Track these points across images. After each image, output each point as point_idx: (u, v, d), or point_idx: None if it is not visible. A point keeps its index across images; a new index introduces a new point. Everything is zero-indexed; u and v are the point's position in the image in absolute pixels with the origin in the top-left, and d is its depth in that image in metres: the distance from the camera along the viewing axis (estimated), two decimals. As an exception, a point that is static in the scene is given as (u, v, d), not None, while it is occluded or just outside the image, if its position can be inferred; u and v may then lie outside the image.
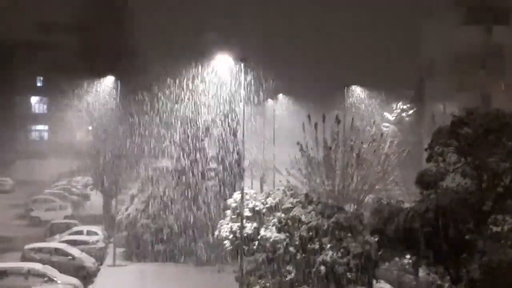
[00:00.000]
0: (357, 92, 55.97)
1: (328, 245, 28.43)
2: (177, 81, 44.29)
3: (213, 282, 36.94)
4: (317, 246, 28.62)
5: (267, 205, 31.55)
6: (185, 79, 43.62)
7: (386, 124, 59.75)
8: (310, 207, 30.24)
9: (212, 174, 42.87)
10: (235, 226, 31.70)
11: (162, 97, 45.83)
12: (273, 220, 30.47)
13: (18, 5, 78.11)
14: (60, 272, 35.09)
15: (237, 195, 32.67)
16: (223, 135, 42.80)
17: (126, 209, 43.85)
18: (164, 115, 45.47)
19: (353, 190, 37.18)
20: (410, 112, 69.15)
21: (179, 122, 44.00)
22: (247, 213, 31.28)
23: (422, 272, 29.54)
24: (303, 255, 28.92)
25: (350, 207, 35.45)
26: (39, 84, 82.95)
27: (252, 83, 41.57)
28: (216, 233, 33.60)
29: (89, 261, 39.21)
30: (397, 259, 29.29)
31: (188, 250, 41.32)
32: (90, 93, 50.37)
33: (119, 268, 40.60)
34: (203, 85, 43.26)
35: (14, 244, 44.43)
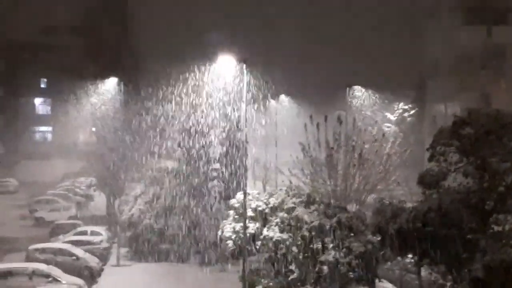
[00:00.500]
0: (359, 92, 56.03)
1: (331, 245, 28.57)
2: (180, 82, 44.46)
3: (216, 281, 37.08)
4: (319, 246, 28.76)
5: (269, 205, 31.71)
6: (188, 80, 43.77)
7: (388, 124, 59.74)
8: (312, 207, 30.38)
9: (215, 174, 43.04)
10: (238, 226, 31.87)
11: (165, 98, 46.02)
12: (275, 220, 30.62)
13: (21, 7, 78.31)
14: (64, 272, 35.24)
15: (240, 196, 32.83)
16: (226, 136, 42.96)
17: (130, 210, 44.02)
18: (167, 116, 45.65)
19: (355, 190, 37.24)
20: (412, 112, 69.16)
21: (182, 123, 44.17)
22: (250, 213, 31.46)
23: (424, 272, 29.63)
24: (306, 255, 29.05)
25: (352, 207, 35.55)
26: (42, 85, 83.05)
27: (254, 83, 41.75)
28: (219, 233, 33.78)
29: (93, 261, 39.38)
30: (399, 258, 29.41)
31: (191, 250, 41.47)
32: (94, 94, 50.52)
33: (123, 268, 40.78)
34: (205, 86, 43.39)
35: (18, 245, 44.57)
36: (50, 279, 33.94)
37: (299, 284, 29.07)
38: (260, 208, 31.64)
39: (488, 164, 24.01)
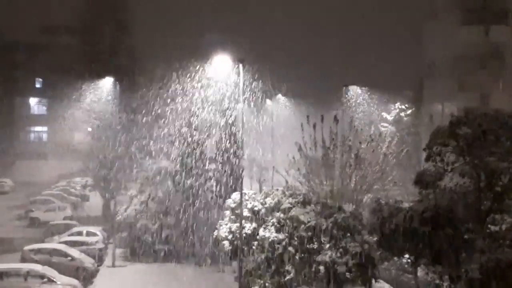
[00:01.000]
0: (356, 92, 55.97)
1: (327, 245, 28.48)
2: (176, 82, 44.34)
3: (212, 282, 37.00)
4: (316, 246, 28.67)
5: (266, 205, 31.60)
6: (184, 80, 43.66)
7: (385, 124, 59.78)
8: (309, 207, 30.28)
9: (211, 174, 42.94)
10: (234, 226, 31.78)
11: (161, 98, 45.91)
12: (272, 220, 30.52)
13: (17, 7, 78.22)
14: (60, 273, 35.08)
15: (236, 196, 32.73)
16: (222, 136, 42.86)
17: (126, 210, 43.89)
18: (163, 116, 45.54)
19: (352, 190, 37.19)
20: (409, 112, 69.21)
21: (178, 123, 44.06)
22: (246, 213, 31.34)
23: (421, 272, 29.54)
24: (302, 255, 28.94)
25: (349, 207, 35.40)
26: (38, 85, 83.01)
27: (251, 83, 41.64)
28: (215, 233, 33.66)
29: (88, 262, 39.20)
30: (396, 258, 29.30)
31: (187, 251, 41.36)
32: (89, 94, 50.45)
33: (118, 269, 40.64)
34: (201, 86, 43.29)
35: (13, 245, 44.44)
36: (45, 279, 33.78)
37: (295, 284, 28.98)
38: (256, 208, 31.54)
39: (485, 164, 23.91)
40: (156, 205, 42.69)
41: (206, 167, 43.03)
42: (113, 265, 41.15)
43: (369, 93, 57.25)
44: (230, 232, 32.01)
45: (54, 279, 33.94)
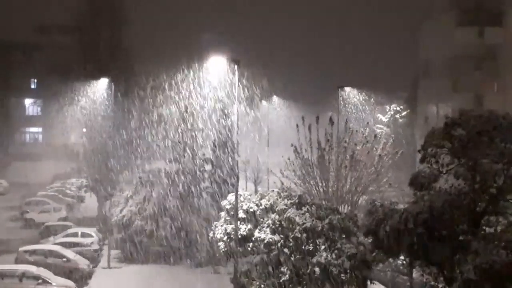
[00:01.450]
0: (351, 93, 56.09)
1: (322, 247, 28.50)
2: (171, 82, 44.38)
3: (208, 283, 37.00)
4: (311, 247, 28.69)
5: (261, 207, 31.63)
6: (179, 81, 43.69)
7: (380, 126, 59.92)
8: (304, 209, 30.28)
9: (206, 175, 42.96)
10: (230, 227, 31.79)
11: (156, 99, 45.92)
12: (267, 222, 30.53)
13: (13, 6, 78.08)
14: (55, 274, 35.13)
15: (231, 197, 32.72)
16: (217, 137, 42.87)
17: (121, 211, 43.81)
18: (158, 117, 45.55)
19: (347, 191, 37.27)
20: (404, 113, 69.41)
21: (173, 124, 44.07)
22: (241, 214, 31.35)
23: (416, 273, 29.58)
24: (297, 256, 28.96)
25: (344, 209, 35.55)
26: (33, 86, 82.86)
27: (246, 84, 41.69)
28: (211, 235, 33.68)
29: (83, 263, 39.17)
30: (391, 260, 29.30)
31: (182, 252, 41.34)
32: (84, 95, 50.39)
33: (113, 270, 40.59)
34: (197, 87, 43.32)
35: (8, 246, 44.39)
36: (40, 281, 33.81)
37: (290, 285, 28.96)
38: (251, 210, 31.56)
39: (480, 165, 23.93)
40: (152, 206, 42.64)
41: (202, 168, 43.04)
42: (109, 266, 41.09)
43: (364, 94, 57.41)
44: (226, 233, 32.03)
45: (49, 280, 33.94)
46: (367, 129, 41.44)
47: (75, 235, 44.75)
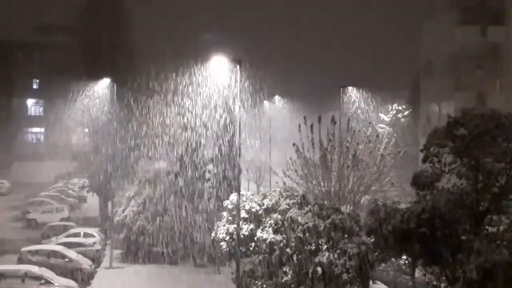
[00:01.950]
0: (353, 93, 55.98)
1: (325, 246, 28.46)
2: (173, 82, 44.34)
3: (210, 283, 37.01)
4: (313, 247, 28.64)
5: (263, 207, 31.58)
6: (181, 81, 43.66)
7: (382, 125, 59.88)
8: (306, 208, 30.26)
9: (209, 176, 42.94)
10: (232, 227, 31.74)
11: (158, 99, 45.90)
12: (269, 222, 30.50)
13: (14, 6, 78.08)
14: (57, 274, 35.10)
15: (233, 197, 32.69)
16: (219, 137, 42.84)
17: (123, 211, 43.86)
18: (160, 117, 45.53)
19: (349, 191, 37.24)
20: (406, 113, 69.33)
21: (175, 124, 44.05)
22: (243, 214, 31.31)
23: (418, 273, 29.55)
24: (300, 256, 28.94)
25: (346, 208, 35.48)
26: (35, 86, 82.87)
27: (248, 84, 41.66)
28: (213, 235, 33.65)
29: (86, 263, 39.17)
30: (393, 260, 29.33)
31: (185, 252, 41.34)
32: (86, 95, 50.36)
33: (116, 270, 40.60)
34: (199, 87, 43.30)
35: (11, 247, 44.39)
36: (42, 281, 33.78)
37: (293, 285, 28.94)
38: (253, 210, 31.49)
39: (482, 165, 23.91)
40: (154, 206, 42.65)
41: (204, 168, 43.04)
42: (111, 267, 41.09)
43: (366, 94, 57.30)
44: (228, 233, 31.98)
45: (52, 281, 33.93)
46: (369, 128, 41.42)
47: (77, 235, 44.76)
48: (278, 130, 59.51)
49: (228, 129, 42.80)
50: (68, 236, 44.60)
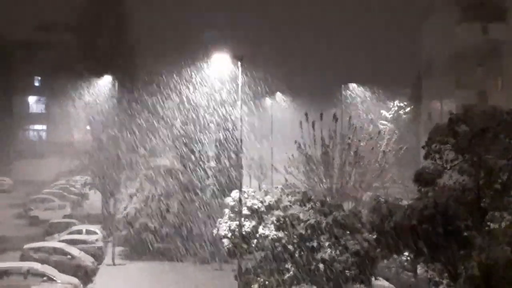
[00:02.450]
0: (355, 90, 56.02)
1: (327, 243, 28.52)
2: (175, 80, 44.39)
3: (212, 280, 37.02)
4: (315, 244, 28.71)
5: (265, 204, 31.61)
6: (183, 78, 43.71)
7: (384, 122, 59.92)
8: (308, 205, 30.32)
9: (211, 172, 42.97)
10: (234, 224, 31.77)
11: (160, 96, 45.94)
12: (271, 218, 30.53)
13: (16, 4, 78.14)
14: (59, 271, 35.13)
15: (235, 194, 32.72)
16: (221, 134, 42.89)
17: (125, 208, 43.88)
18: (162, 114, 45.57)
19: (351, 188, 37.28)
20: (408, 109, 69.38)
21: (177, 121, 44.09)
22: (245, 211, 31.33)
23: (420, 269, 29.65)
24: (302, 253, 28.98)
25: (348, 205, 35.55)
26: (37, 83, 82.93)
27: (250, 81, 41.65)
28: (215, 231, 33.70)
29: (88, 260, 39.26)
30: (395, 256, 29.34)
31: (187, 249, 41.38)
32: (88, 92, 50.41)
33: (118, 267, 40.65)
34: (201, 84, 43.34)
35: (13, 244, 44.43)
36: (44, 278, 33.80)
37: (295, 282, 28.99)
38: (255, 206, 31.52)
39: (484, 161, 23.93)
40: (156, 203, 42.69)
41: (206, 165, 43.07)
42: (113, 264, 41.16)
43: (368, 91, 57.34)
44: (230, 230, 32.00)
45: (54, 278, 33.97)
46: (371, 125, 41.53)
47: (79, 232, 44.83)
48: (279, 127, 59.55)
49: (230, 126, 42.84)
50: (70, 233, 44.67)
